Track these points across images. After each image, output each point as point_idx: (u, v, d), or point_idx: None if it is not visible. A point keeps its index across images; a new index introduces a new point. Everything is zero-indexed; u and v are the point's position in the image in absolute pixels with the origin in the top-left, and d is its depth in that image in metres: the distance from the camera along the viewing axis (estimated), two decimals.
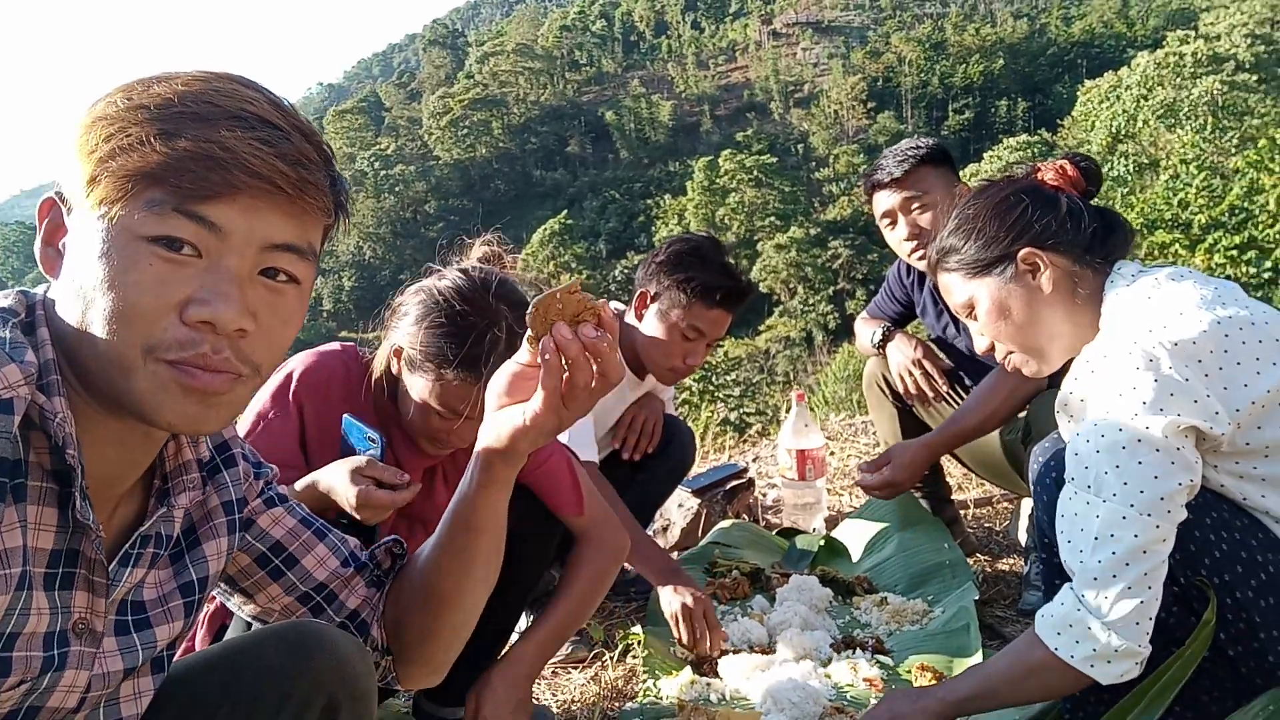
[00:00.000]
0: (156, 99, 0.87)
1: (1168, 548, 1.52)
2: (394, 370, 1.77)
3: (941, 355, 2.96)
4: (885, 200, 2.75)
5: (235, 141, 0.86)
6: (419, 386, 1.71)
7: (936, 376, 2.90)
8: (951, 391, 2.93)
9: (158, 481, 1.05)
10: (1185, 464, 1.50)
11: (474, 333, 1.66)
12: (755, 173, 75.30)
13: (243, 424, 1.71)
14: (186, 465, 1.06)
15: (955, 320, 2.87)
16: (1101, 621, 1.51)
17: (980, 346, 1.84)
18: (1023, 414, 2.58)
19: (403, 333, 1.73)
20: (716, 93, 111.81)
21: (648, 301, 2.58)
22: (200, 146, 0.85)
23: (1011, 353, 1.81)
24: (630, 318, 2.65)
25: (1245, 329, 1.54)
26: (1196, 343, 1.53)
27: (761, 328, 58.31)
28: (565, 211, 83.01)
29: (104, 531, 0.96)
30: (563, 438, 2.42)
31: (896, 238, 2.78)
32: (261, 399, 1.74)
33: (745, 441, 5.67)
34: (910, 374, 2.93)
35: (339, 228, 1.02)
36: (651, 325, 2.57)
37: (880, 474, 2.62)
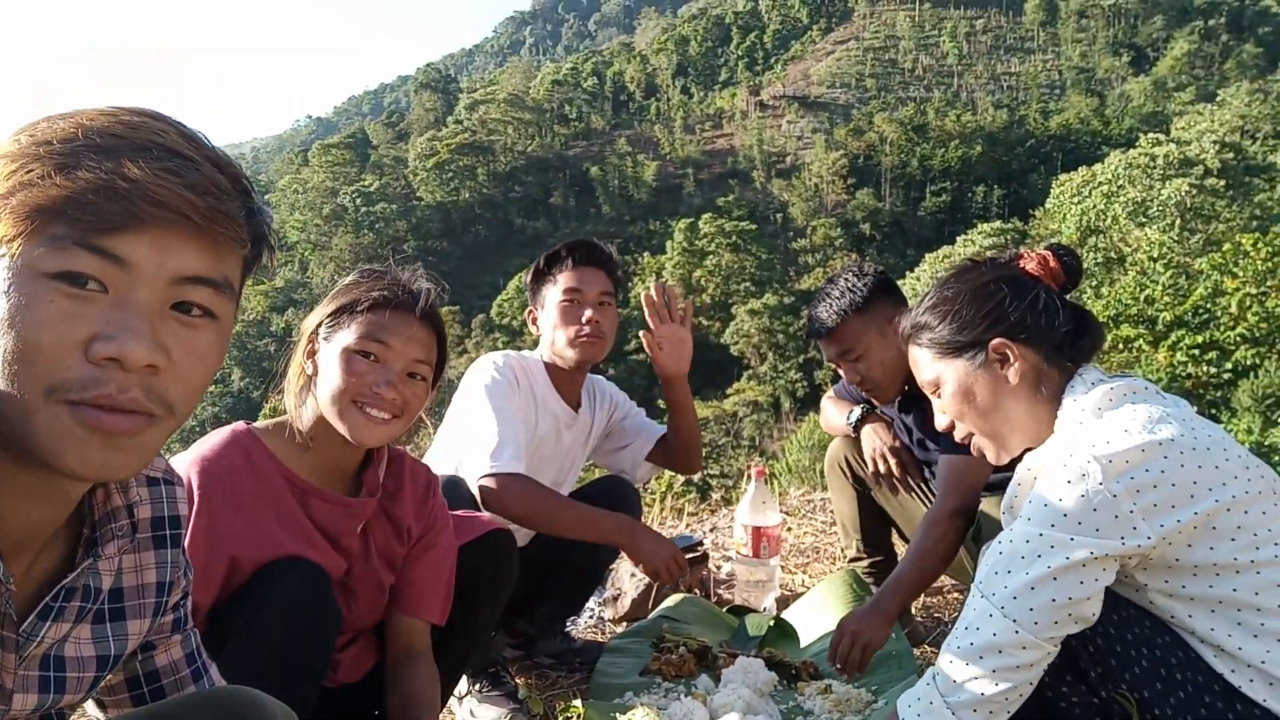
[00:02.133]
0: (59, 134, 0.84)
1: (1031, 656, 1.58)
2: (308, 369, 1.75)
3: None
4: (826, 349, 2.82)
5: (138, 172, 0.83)
6: (337, 345, 1.72)
7: (909, 469, 2.93)
8: (921, 484, 2.95)
9: (85, 530, 1.00)
10: (1071, 585, 1.56)
11: (380, 276, 1.80)
12: (734, 238, 76.12)
13: None
14: (115, 512, 1.02)
15: (924, 434, 2.91)
16: (944, 700, 1.62)
17: (941, 424, 1.87)
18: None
19: (309, 324, 1.77)
20: (701, 157, 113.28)
21: (536, 314, 2.70)
22: (101, 178, 0.82)
23: (972, 435, 1.85)
24: (540, 350, 2.71)
25: (1186, 453, 1.58)
26: (1130, 461, 1.57)
27: (730, 391, 58.46)
28: None
29: (25, 583, 0.94)
30: (484, 458, 2.34)
31: (845, 377, 2.87)
32: None
33: (704, 508, 5.66)
34: (883, 459, 2.94)
35: (263, 261, 0.98)
36: (545, 322, 2.66)
37: (855, 649, 2.42)
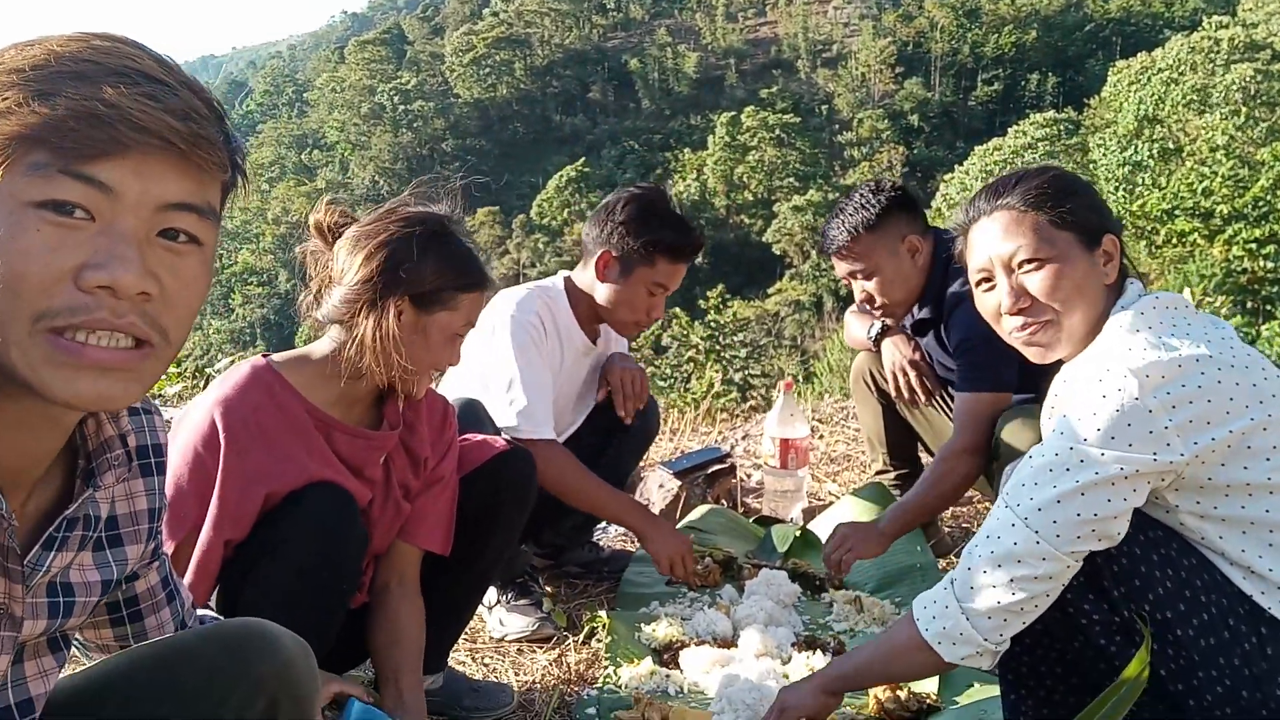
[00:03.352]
0: (31, 60, 0.82)
1: (1051, 568, 1.58)
2: (398, 328, 1.72)
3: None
4: (837, 265, 2.78)
5: (119, 97, 0.81)
6: (443, 325, 1.77)
7: (928, 380, 2.91)
8: (940, 397, 2.93)
9: (82, 461, 1.02)
10: (1098, 502, 1.55)
11: (466, 246, 1.83)
12: (777, 131, 74.57)
13: (172, 464, 1.64)
14: (109, 442, 1.03)
15: (938, 359, 2.91)
16: (960, 605, 1.63)
17: (1007, 305, 1.75)
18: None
19: (408, 280, 1.72)
20: (744, 47, 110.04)
21: (609, 261, 2.60)
22: (81, 105, 0.80)
23: (1037, 323, 1.75)
24: (585, 278, 2.66)
25: (1223, 370, 1.56)
26: (1166, 375, 1.54)
27: (771, 290, 58.09)
28: (583, 159, 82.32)
29: (24, 515, 0.96)
30: (513, 417, 2.42)
31: (856, 295, 2.84)
32: (189, 440, 1.66)
33: (739, 414, 5.69)
34: (905, 372, 2.93)
35: (239, 189, 0.98)
36: (615, 284, 2.60)
37: (843, 554, 2.56)
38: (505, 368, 2.47)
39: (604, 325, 2.75)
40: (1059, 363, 1.80)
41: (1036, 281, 1.73)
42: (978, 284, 1.84)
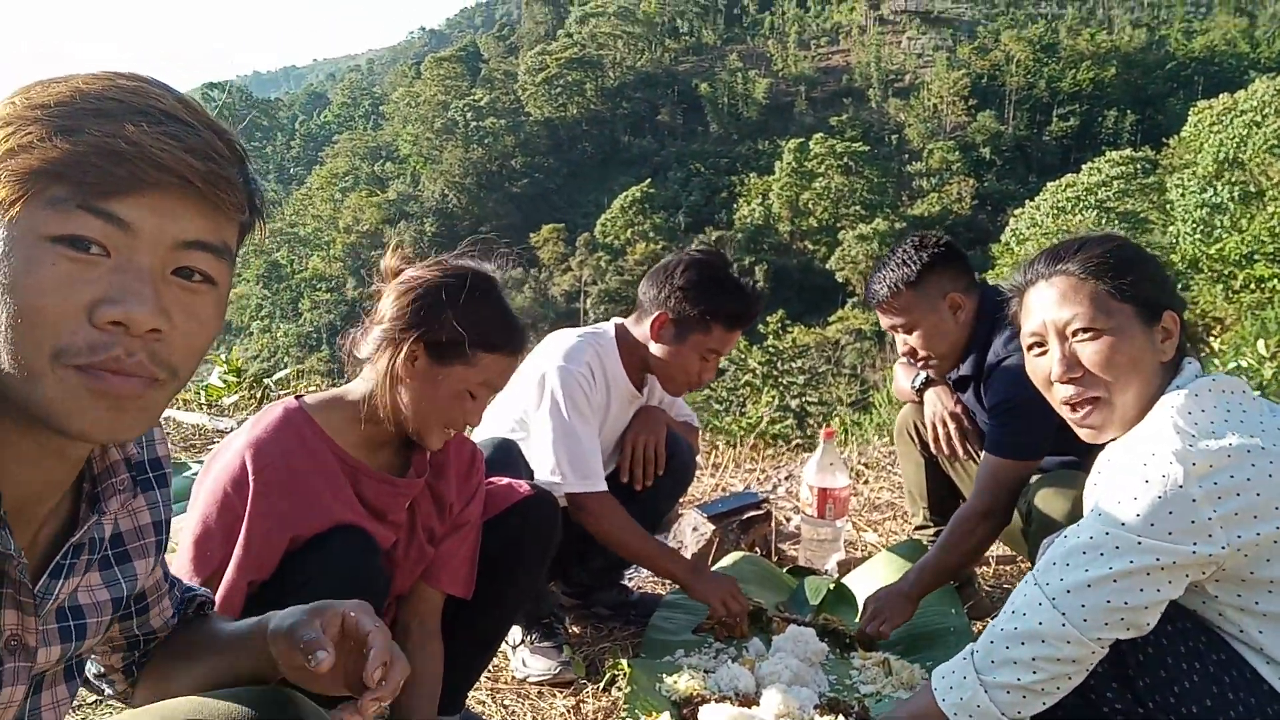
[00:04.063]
0: (56, 97, 0.84)
1: (1074, 652, 1.55)
2: (407, 371, 1.74)
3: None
4: (880, 318, 2.78)
5: (141, 135, 0.83)
6: (453, 379, 1.75)
7: (968, 435, 2.87)
8: (978, 453, 2.87)
9: (87, 486, 1.03)
10: (1130, 591, 1.51)
11: (501, 308, 1.81)
12: (845, 159, 74.16)
13: (201, 503, 1.70)
14: (114, 466, 1.04)
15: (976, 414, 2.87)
16: (979, 677, 1.61)
17: (1057, 373, 1.72)
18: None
19: (425, 329, 1.73)
20: (815, 74, 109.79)
21: (665, 324, 2.60)
22: (104, 141, 0.82)
23: (1089, 400, 1.71)
24: (639, 330, 2.67)
25: (1275, 461, 1.51)
26: (1214, 465, 1.50)
27: (832, 318, 57.61)
28: (649, 180, 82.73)
29: (35, 544, 0.97)
30: (567, 471, 2.46)
31: (899, 348, 2.83)
32: (219, 480, 1.68)
33: (782, 455, 5.63)
34: (944, 424, 2.89)
35: (256, 230, 0.98)
36: (669, 346, 2.61)
37: (877, 626, 2.59)
38: (555, 420, 2.50)
39: (651, 375, 2.76)
40: None
41: (1090, 352, 1.69)
42: (1030, 348, 1.80)
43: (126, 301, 0.83)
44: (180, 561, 1.67)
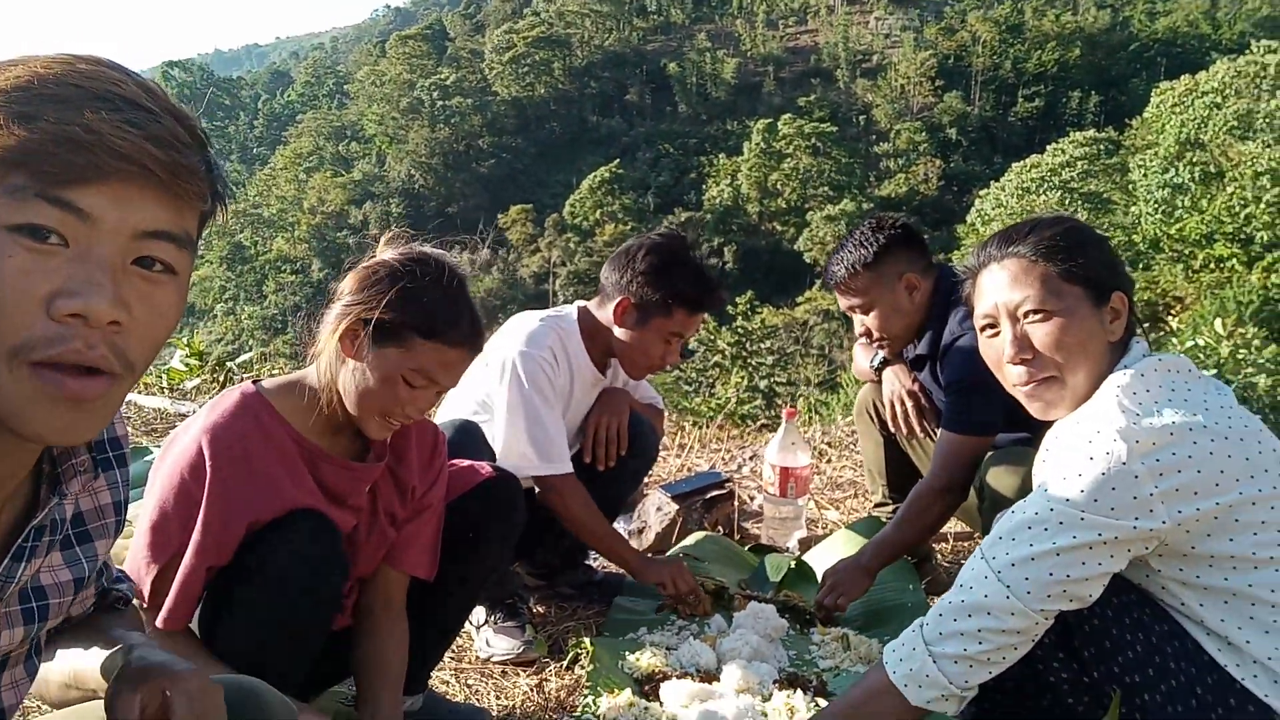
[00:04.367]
0: (13, 81, 0.82)
1: (1019, 623, 1.59)
2: (347, 349, 1.72)
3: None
4: (839, 298, 2.82)
5: (100, 123, 0.81)
6: (390, 362, 1.71)
7: (925, 413, 2.92)
8: (934, 431, 2.92)
9: (46, 467, 1.02)
10: (1072, 564, 1.55)
11: (454, 300, 1.74)
12: (813, 140, 74.23)
13: (158, 488, 1.68)
14: (75, 448, 1.03)
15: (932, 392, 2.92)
16: (928, 648, 1.65)
17: (1009, 353, 1.74)
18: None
19: (367, 306, 1.71)
20: (783, 54, 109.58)
21: (627, 308, 2.62)
22: (62, 129, 0.80)
23: (1040, 379, 1.73)
24: (602, 315, 2.69)
25: (1217, 441, 1.55)
26: (1157, 442, 1.53)
27: (800, 299, 57.82)
28: (618, 160, 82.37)
29: None
30: (532, 454, 2.47)
31: (856, 328, 2.88)
32: (176, 465, 1.67)
33: (748, 436, 5.67)
34: (902, 403, 2.94)
35: (217, 217, 0.97)
36: (632, 330, 2.63)
37: (834, 599, 2.65)
38: (519, 404, 2.51)
39: (614, 359, 2.78)
40: None
41: (1040, 333, 1.72)
42: (983, 329, 1.83)
43: (85, 293, 0.82)
44: (137, 547, 1.67)
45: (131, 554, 1.68)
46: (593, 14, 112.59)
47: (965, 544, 3.50)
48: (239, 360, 7.43)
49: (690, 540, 3.18)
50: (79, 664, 1.18)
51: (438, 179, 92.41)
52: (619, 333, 2.64)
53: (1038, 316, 1.72)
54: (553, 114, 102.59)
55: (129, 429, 1.21)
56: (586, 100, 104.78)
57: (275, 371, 6.31)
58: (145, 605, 1.66)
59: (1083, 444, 1.58)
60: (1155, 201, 32.59)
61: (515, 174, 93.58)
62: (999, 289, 1.77)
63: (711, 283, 2.64)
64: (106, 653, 1.13)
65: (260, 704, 1.17)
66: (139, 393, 5.57)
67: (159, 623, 1.66)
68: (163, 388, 5.97)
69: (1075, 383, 1.71)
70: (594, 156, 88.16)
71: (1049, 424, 1.83)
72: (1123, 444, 1.54)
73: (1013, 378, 1.77)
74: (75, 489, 1.04)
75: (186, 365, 6.38)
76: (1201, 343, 6.39)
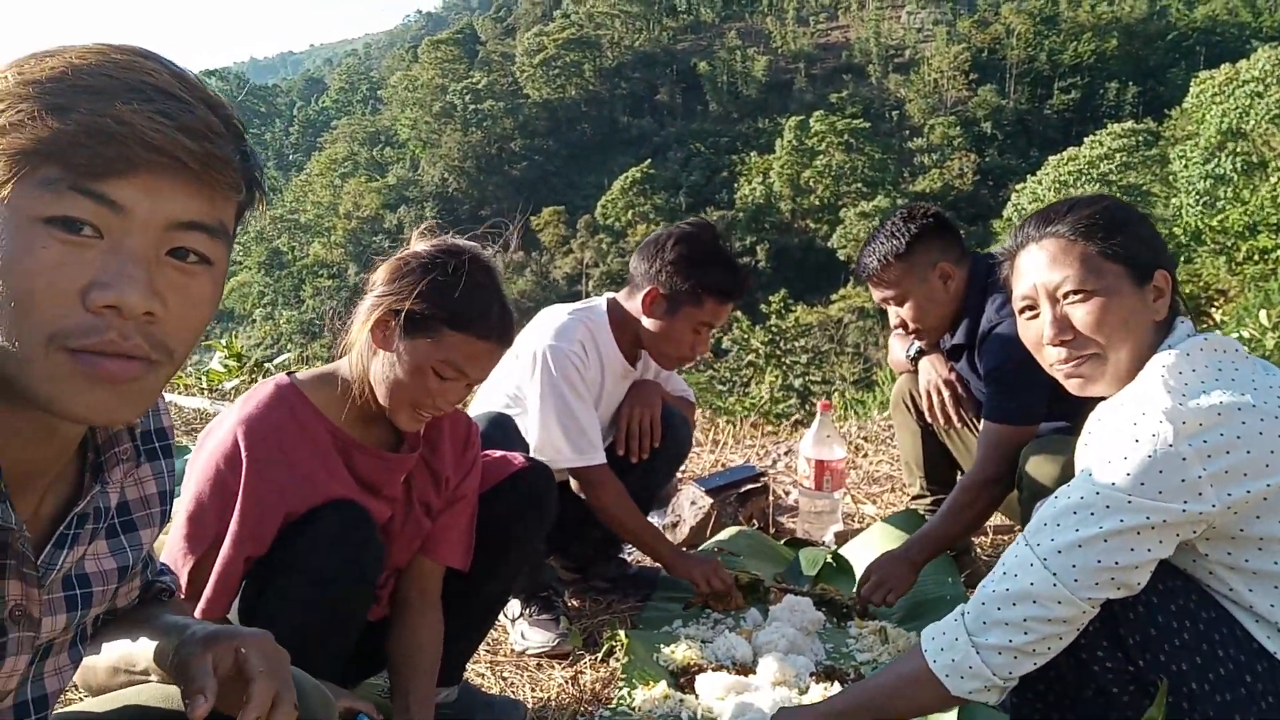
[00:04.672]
0: (47, 73, 0.82)
1: (1065, 612, 1.55)
2: (379, 340, 1.73)
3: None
4: (872, 291, 2.80)
5: (131, 115, 0.81)
6: (420, 353, 1.71)
7: (963, 403, 2.88)
8: (973, 420, 2.88)
9: (91, 455, 1.03)
10: (1120, 550, 1.51)
11: (484, 292, 1.74)
12: (846, 136, 73.77)
13: (195, 479, 1.70)
14: (117, 436, 1.04)
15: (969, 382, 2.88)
16: (970, 638, 1.60)
17: (1049, 335, 1.70)
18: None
19: (398, 297, 1.71)
20: (814, 51, 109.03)
21: (656, 298, 2.61)
22: (94, 120, 0.80)
23: (1080, 356, 1.70)
24: (631, 305, 2.68)
25: (1266, 420, 1.51)
26: (1204, 423, 1.50)
27: (835, 296, 57.50)
28: (649, 161, 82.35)
29: (38, 516, 0.98)
30: (566, 447, 2.47)
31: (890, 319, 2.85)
32: (212, 457, 1.68)
33: (783, 431, 5.64)
34: (938, 392, 2.91)
35: (255, 207, 0.97)
36: (661, 321, 2.62)
37: (882, 595, 2.59)
38: (551, 398, 2.51)
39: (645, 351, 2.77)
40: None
41: (1081, 314, 1.68)
42: (1021, 311, 1.79)
43: (119, 285, 0.82)
44: (174, 538, 1.68)
45: (169, 545, 1.69)
46: (622, 14, 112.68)
47: (1005, 537, 3.44)
48: (276, 362, 7.51)
49: (725, 534, 3.17)
50: (129, 648, 1.20)
51: (471, 182, 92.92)
52: (648, 323, 2.63)
53: (1078, 297, 1.68)
54: (584, 115, 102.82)
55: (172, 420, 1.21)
56: (617, 101, 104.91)
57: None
58: (183, 596, 1.68)
59: (1127, 426, 1.54)
60: (1196, 193, 32.04)
61: (547, 176, 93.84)
62: (1037, 269, 1.74)
63: (740, 271, 2.64)
64: (155, 641, 1.14)
65: (297, 692, 1.17)
66: (179, 393, 5.65)
67: (197, 613, 1.67)
68: (202, 389, 6.05)
69: (1117, 359, 1.67)
70: (625, 157, 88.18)
71: (1088, 412, 1.79)
72: (1169, 425, 1.50)
73: (1052, 358, 1.74)
74: (118, 477, 1.04)
75: (225, 367, 6.47)
76: (1246, 335, 6.27)
